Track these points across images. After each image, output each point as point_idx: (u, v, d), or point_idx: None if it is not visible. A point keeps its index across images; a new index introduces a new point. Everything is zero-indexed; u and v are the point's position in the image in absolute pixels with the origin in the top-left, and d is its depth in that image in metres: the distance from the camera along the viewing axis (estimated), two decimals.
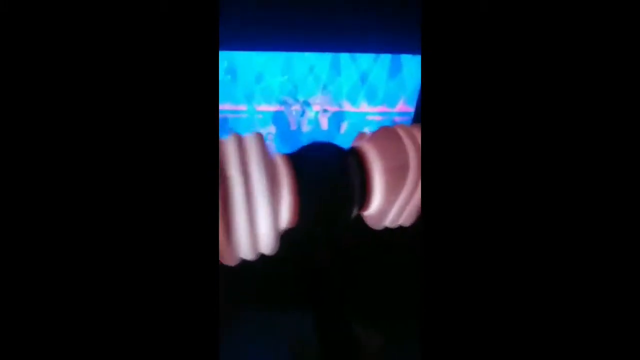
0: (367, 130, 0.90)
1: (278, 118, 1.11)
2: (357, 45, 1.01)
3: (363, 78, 1.05)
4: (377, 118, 1.11)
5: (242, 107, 1.09)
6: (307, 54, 1.02)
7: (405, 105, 1.10)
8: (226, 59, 1.02)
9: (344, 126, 1.13)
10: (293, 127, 1.13)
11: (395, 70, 1.05)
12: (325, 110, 1.09)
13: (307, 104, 1.08)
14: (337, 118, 1.13)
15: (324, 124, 1.12)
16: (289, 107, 1.09)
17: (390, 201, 0.66)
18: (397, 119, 1.11)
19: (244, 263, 0.63)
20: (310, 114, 1.11)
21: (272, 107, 1.08)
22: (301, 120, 1.12)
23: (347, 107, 1.09)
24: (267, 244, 0.60)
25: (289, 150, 0.63)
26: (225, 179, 0.56)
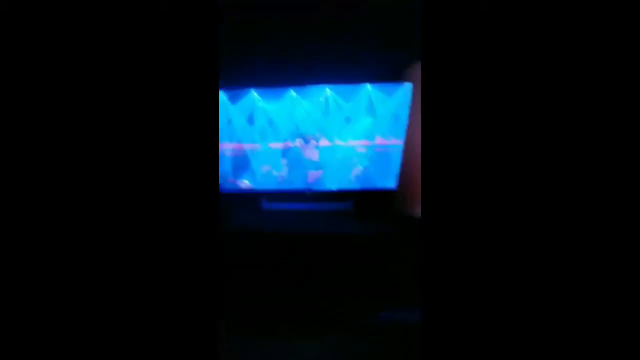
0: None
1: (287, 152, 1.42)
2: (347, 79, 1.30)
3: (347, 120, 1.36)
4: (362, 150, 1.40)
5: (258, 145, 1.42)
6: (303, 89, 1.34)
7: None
8: (246, 109, 1.36)
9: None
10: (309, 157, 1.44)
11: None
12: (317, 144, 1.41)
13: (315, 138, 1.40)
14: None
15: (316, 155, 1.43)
16: (305, 141, 1.40)
17: None
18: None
19: None
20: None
21: (280, 144, 1.41)
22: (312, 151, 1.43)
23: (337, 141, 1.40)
24: None
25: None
26: None
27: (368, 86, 1.28)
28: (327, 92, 1.30)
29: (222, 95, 1.34)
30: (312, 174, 1.41)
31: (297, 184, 1.43)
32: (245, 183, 1.43)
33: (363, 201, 1.44)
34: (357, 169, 1.38)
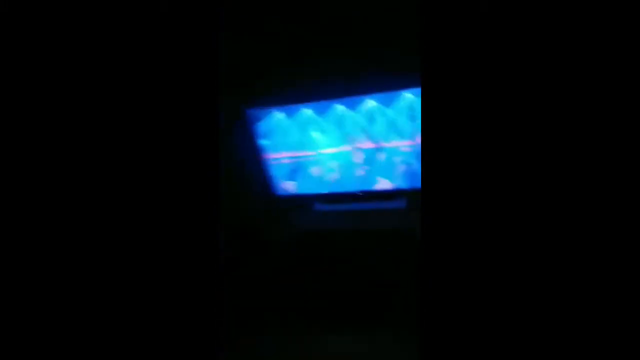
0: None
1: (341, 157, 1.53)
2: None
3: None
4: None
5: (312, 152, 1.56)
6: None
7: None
8: (296, 119, 1.52)
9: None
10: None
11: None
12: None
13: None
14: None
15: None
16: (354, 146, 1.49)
17: None
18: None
19: None
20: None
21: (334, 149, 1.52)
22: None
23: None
24: None
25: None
26: None
27: (407, 93, 1.34)
28: (368, 102, 1.39)
29: (278, 112, 1.52)
30: (360, 175, 1.50)
31: (349, 186, 1.54)
32: (295, 186, 1.59)
33: (415, 199, 1.48)
34: (402, 167, 1.43)
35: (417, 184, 1.43)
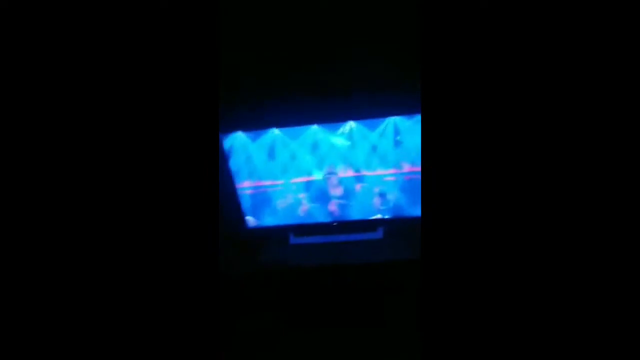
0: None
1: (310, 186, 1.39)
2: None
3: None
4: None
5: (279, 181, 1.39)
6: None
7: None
8: (266, 143, 1.34)
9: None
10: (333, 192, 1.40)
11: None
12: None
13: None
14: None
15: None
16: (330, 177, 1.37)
17: None
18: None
19: None
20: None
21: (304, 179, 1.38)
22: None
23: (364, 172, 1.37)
24: None
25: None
26: None
27: (393, 119, 1.26)
28: (351, 124, 1.29)
29: (244, 136, 1.32)
30: (335, 205, 1.39)
31: (322, 217, 1.41)
32: (260, 220, 1.42)
33: (393, 230, 1.41)
34: (381, 198, 1.37)
35: (395, 213, 1.39)
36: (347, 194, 1.39)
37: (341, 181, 1.37)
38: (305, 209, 1.41)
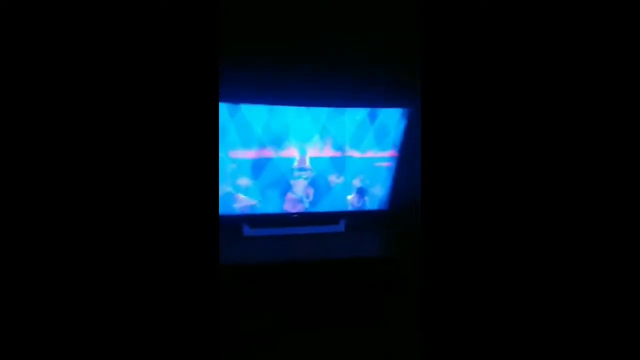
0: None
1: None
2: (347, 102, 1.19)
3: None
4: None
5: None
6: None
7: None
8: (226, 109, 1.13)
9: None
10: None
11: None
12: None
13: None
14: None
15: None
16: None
17: None
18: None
19: None
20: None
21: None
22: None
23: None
24: None
25: None
26: None
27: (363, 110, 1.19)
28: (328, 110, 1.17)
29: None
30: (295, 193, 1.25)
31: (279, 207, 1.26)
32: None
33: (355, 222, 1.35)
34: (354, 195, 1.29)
35: (364, 206, 1.31)
36: (313, 184, 1.26)
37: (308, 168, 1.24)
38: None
